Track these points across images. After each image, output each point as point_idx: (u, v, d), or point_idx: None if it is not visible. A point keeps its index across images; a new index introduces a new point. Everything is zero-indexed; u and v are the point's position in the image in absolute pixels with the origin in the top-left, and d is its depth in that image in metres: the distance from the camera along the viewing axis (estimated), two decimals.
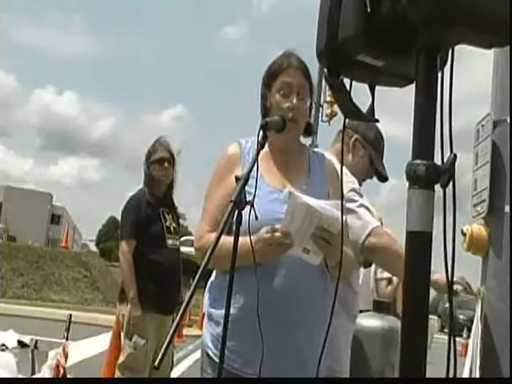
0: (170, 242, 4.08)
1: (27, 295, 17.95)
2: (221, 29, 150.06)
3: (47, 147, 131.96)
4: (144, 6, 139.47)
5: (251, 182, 1.78)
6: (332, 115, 16.68)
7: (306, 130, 2.16)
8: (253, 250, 1.77)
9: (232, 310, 1.71)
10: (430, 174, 1.05)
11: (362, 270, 2.81)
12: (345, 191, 2.04)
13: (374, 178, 2.75)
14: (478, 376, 1.87)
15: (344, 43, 1.17)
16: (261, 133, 1.81)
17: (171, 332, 1.39)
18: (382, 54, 1.16)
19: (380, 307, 2.65)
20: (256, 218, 1.74)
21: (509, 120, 1.95)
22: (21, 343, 4.24)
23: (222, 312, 1.70)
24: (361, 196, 2.37)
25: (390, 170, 2.74)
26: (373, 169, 2.70)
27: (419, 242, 1.05)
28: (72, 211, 71.83)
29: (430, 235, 1.05)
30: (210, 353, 2.00)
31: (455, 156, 1.07)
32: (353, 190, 2.35)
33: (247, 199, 1.69)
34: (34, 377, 4.06)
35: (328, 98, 16.50)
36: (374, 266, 3.26)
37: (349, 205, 2.22)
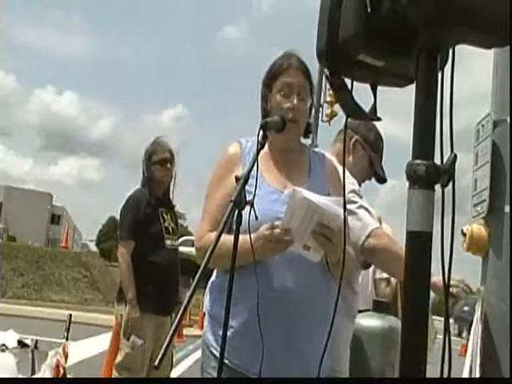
0: (168, 242, 4.06)
1: (27, 295, 17.92)
2: (221, 29, 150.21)
3: (47, 147, 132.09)
4: (144, 6, 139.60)
5: (251, 181, 1.78)
6: (332, 115, 16.64)
7: (306, 131, 2.16)
8: (252, 247, 1.78)
9: (233, 310, 1.71)
10: (430, 174, 1.05)
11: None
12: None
13: (373, 179, 2.75)
14: (478, 376, 1.87)
15: (344, 43, 1.17)
16: (261, 133, 1.82)
17: (171, 332, 1.39)
18: (383, 54, 1.16)
19: (380, 307, 2.64)
20: (256, 217, 1.74)
21: (509, 120, 1.95)
22: (21, 343, 4.24)
23: (223, 312, 1.69)
24: (360, 197, 2.37)
25: (390, 171, 2.74)
26: (372, 170, 2.69)
27: (419, 242, 1.05)
28: (72, 211, 71.98)
29: (430, 235, 1.05)
30: (216, 353, 1.96)
31: (455, 156, 1.07)
32: (353, 191, 2.34)
33: (247, 199, 1.69)
34: (34, 377, 4.06)
35: (328, 98, 16.45)
36: (372, 267, 3.25)
37: (348, 206, 2.21)
